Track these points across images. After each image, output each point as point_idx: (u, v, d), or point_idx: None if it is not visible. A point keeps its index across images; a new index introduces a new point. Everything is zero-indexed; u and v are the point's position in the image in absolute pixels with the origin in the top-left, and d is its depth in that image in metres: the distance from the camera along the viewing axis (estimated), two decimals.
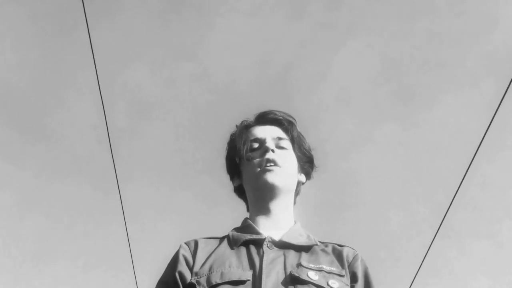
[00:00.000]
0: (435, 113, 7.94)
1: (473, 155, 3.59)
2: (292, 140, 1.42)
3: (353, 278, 1.24)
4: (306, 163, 1.44)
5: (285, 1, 7.73)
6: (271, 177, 1.31)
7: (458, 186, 3.83)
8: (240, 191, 1.45)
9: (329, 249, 1.29)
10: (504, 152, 7.13)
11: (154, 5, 7.70)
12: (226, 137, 1.49)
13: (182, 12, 8.02)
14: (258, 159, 1.34)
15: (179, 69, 8.23)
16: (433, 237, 4.19)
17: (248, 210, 1.42)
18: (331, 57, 8.13)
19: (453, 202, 3.95)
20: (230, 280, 1.14)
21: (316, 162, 1.47)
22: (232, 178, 1.46)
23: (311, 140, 1.49)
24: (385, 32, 7.59)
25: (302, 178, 1.44)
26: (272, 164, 1.32)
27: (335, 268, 1.21)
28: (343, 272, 1.22)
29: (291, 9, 7.68)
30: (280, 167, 1.33)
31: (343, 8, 7.81)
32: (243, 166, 1.38)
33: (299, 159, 1.41)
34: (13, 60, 7.47)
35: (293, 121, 1.44)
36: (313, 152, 1.47)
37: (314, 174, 1.48)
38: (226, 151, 1.47)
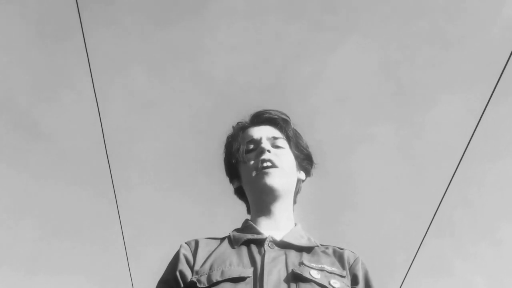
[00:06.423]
0: (433, 113, 7.94)
1: (462, 153, 3.58)
2: (288, 139, 1.41)
3: (354, 281, 1.23)
4: (304, 160, 1.43)
5: (282, 2, 7.73)
6: (269, 180, 1.30)
7: (448, 184, 3.83)
8: (240, 193, 1.43)
9: (330, 251, 1.28)
10: (501, 152, 7.15)
11: (151, 6, 7.69)
12: (224, 139, 1.48)
13: (178, 14, 8.01)
14: (254, 161, 1.33)
15: (175, 71, 8.22)
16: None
17: (248, 212, 1.41)
18: (328, 58, 8.13)
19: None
20: (230, 277, 1.14)
21: (315, 159, 1.46)
22: (231, 181, 1.45)
23: (308, 141, 1.48)
24: (382, 32, 7.60)
25: (302, 175, 1.42)
26: (269, 164, 1.31)
27: (336, 269, 1.21)
28: (344, 273, 1.21)
29: (287, 10, 7.68)
30: (277, 167, 1.31)
31: (340, 8, 7.83)
32: (241, 168, 1.38)
33: (296, 157, 1.40)
34: (8, 63, 7.44)
35: (288, 119, 1.43)
36: (310, 150, 1.46)
37: (313, 172, 1.46)
38: (223, 154, 1.46)
